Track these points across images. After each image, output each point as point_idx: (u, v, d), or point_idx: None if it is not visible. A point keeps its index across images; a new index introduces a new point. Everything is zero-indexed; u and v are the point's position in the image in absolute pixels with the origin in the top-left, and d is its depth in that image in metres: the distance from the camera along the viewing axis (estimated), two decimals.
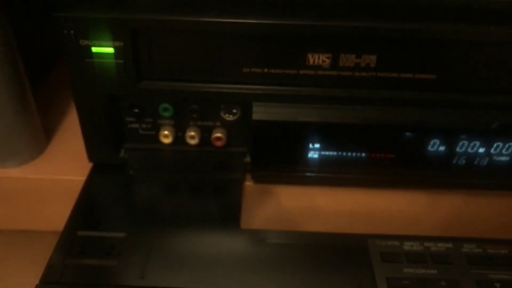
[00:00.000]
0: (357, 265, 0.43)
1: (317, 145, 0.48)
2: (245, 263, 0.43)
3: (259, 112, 0.46)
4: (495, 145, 0.48)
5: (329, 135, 0.48)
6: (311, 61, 0.45)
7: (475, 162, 0.50)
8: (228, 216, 0.48)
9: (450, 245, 0.45)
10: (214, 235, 0.46)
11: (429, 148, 0.48)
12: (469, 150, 0.49)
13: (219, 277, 0.42)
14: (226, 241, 0.46)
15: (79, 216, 0.47)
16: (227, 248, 0.45)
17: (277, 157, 0.49)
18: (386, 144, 0.49)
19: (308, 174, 0.50)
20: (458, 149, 0.49)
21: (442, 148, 0.48)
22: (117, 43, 0.43)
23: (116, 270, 0.42)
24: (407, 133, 0.48)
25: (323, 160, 0.49)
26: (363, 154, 0.49)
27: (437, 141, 0.48)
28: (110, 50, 0.43)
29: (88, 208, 0.48)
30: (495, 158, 0.49)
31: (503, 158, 0.49)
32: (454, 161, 0.49)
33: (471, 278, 0.42)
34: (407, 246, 0.45)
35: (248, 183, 0.52)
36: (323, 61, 0.45)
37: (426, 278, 0.42)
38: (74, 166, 0.52)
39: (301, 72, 0.45)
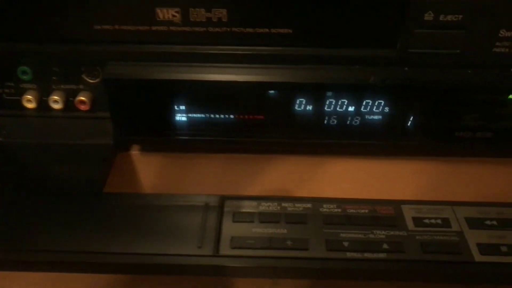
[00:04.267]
0: (206, 225, 0.42)
1: (178, 107, 0.46)
2: (105, 225, 0.43)
3: (110, 71, 0.44)
4: (365, 102, 0.47)
5: (189, 95, 0.46)
6: (160, 16, 0.43)
7: (348, 122, 0.48)
8: (92, 181, 0.47)
9: (309, 205, 0.44)
10: (76, 200, 0.45)
11: (297, 107, 0.47)
12: (339, 109, 0.47)
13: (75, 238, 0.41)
14: (87, 205, 0.45)
15: None
16: (88, 211, 0.44)
17: (139, 120, 0.47)
18: (253, 104, 0.47)
19: (176, 137, 0.49)
20: (326, 108, 0.47)
21: (310, 108, 0.47)
22: None
23: None
24: (271, 92, 0.46)
25: (189, 123, 0.48)
26: (231, 116, 0.48)
27: (304, 100, 0.46)
28: None
29: None
30: (367, 117, 0.48)
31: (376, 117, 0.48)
32: (325, 122, 0.48)
33: (320, 237, 0.41)
34: (264, 206, 0.43)
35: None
36: (173, 15, 0.43)
37: (273, 237, 0.40)
38: None
39: (153, 28, 0.44)
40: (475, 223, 0.42)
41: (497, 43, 0.43)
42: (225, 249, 0.40)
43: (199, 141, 0.49)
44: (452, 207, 0.44)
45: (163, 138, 0.49)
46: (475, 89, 0.44)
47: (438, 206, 0.44)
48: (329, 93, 0.46)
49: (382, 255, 0.39)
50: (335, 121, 0.48)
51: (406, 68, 0.45)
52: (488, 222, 0.42)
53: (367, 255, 0.39)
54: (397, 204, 0.44)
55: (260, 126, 0.48)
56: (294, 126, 0.48)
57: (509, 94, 0.45)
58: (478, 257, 0.39)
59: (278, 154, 0.50)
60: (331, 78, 0.45)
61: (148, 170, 0.51)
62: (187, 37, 0.44)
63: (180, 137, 0.49)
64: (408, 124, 0.48)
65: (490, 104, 0.45)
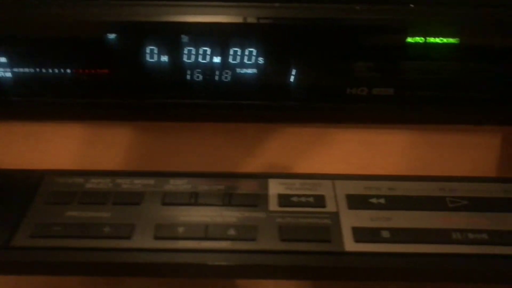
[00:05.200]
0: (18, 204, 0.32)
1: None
2: None
3: None
4: (232, 52, 0.37)
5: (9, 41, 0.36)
6: None
7: (216, 78, 0.38)
8: None
9: (151, 181, 0.34)
10: None
11: (148, 58, 0.37)
12: (201, 60, 0.37)
13: None
14: None
15: None
16: None
17: None
18: (91, 54, 0.37)
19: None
20: (186, 60, 0.37)
21: (165, 59, 0.37)
22: None
23: None
24: (112, 37, 0.36)
25: (14, 81, 0.38)
26: (67, 71, 0.38)
27: (156, 49, 0.37)
28: None
29: None
30: (239, 71, 0.38)
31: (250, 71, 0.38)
32: (187, 77, 0.38)
33: (151, 222, 0.32)
34: (91, 184, 0.34)
35: None
36: None
37: (89, 223, 0.31)
38: None
39: None
40: (357, 202, 0.33)
41: None
42: (22, 240, 0.30)
43: (33, 104, 0.40)
44: (333, 181, 0.35)
45: None
46: (365, 29, 0.35)
47: (316, 181, 0.35)
48: (185, 39, 0.37)
49: (225, 244, 0.30)
50: (200, 77, 0.38)
51: (277, 4, 0.35)
52: (374, 200, 0.33)
53: (205, 244, 0.30)
54: (263, 177, 0.35)
55: (104, 83, 0.38)
56: (147, 83, 0.38)
57: (407, 36, 0.35)
58: (350, 246, 0.30)
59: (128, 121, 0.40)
60: (189, 17, 0.36)
61: None
62: None
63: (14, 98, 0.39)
64: (291, 80, 0.38)
65: (386, 50, 0.36)
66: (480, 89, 0.37)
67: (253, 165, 0.36)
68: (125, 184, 0.34)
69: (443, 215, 0.32)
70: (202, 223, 0.31)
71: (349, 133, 0.39)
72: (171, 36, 0.36)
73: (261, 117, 0.40)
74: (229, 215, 0.32)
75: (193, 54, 0.37)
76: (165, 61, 0.37)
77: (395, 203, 0.33)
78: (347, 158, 0.36)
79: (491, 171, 0.38)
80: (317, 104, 0.39)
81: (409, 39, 0.35)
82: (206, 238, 0.31)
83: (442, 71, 0.37)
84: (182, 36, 0.36)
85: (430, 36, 0.35)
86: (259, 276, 0.31)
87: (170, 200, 0.33)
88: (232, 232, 0.31)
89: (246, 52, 0.37)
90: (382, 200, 0.33)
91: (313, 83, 0.38)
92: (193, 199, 0.33)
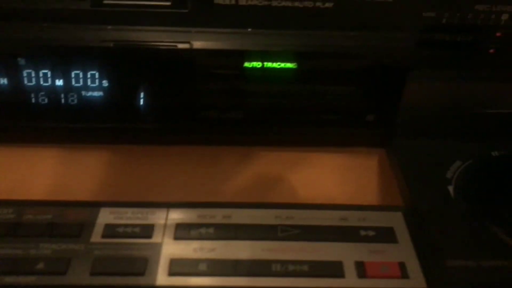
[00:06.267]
0: None
1: None
2: None
3: None
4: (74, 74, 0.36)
5: None
6: None
7: (63, 101, 0.37)
8: None
9: None
10: None
11: None
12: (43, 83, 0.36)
13: None
14: None
15: None
16: None
17: None
18: None
19: None
20: (27, 82, 0.36)
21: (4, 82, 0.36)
22: None
23: None
24: None
25: None
26: None
27: None
28: None
29: None
30: (84, 94, 0.37)
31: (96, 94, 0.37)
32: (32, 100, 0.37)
33: None
34: None
35: None
36: None
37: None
38: None
39: None
40: (184, 231, 0.31)
41: None
42: None
43: None
44: (168, 209, 0.33)
45: None
46: (203, 54, 0.34)
47: (150, 209, 0.33)
48: (22, 61, 0.35)
49: (31, 279, 0.29)
50: (46, 99, 0.37)
51: (110, 27, 0.34)
52: (202, 230, 0.32)
53: (8, 279, 0.29)
54: (97, 206, 0.33)
55: None
56: None
57: (244, 61, 0.34)
58: (162, 280, 0.29)
59: None
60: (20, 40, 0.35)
61: None
62: None
63: None
64: (141, 102, 0.37)
65: (226, 75, 0.35)
66: (324, 112, 0.37)
67: (87, 191, 0.35)
68: None
69: (270, 245, 0.31)
70: (12, 257, 0.30)
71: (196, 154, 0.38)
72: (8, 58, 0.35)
73: (111, 139, 0.39)
74: (45, 247, 0.31)
75: (34, 77, 0.36)
76: (5, 84, 0.36)
77: (224, 232, 0.32)
78: (186, 183, 0.35)
79: (339, 196, 0.37)
80: (167, 127, 0.38)
81: (246, 64, 0.34)
82: (13, 273, 0.29)
83: (284, 94, 0.36)
84: (20, 60, 0.35)
85: (267, 61, 0.34)
86: None
87: None
88: (41, 266, 0.29)
89: (89, 75, 0.36)
90: (211, 230, 0.32)
91: (161, 106, 0.37)
92: (12, 230, 0.31)
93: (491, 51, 0.37)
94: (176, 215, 0.33)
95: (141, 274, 0.29)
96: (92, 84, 0.36)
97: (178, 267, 0.30)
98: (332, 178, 0.39)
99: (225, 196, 0.36)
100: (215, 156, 0.38)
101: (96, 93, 0.37)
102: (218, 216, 0.33)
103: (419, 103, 0.39)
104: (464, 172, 0.37)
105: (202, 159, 0.38)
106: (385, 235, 0.32)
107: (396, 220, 0.33)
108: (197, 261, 0.30)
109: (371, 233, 0.32)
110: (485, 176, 0.35)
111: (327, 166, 0.39)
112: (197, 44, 0.33)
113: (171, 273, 0.29)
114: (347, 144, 0.41)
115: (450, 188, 0.35)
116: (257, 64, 0.34)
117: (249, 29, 0.33)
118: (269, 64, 0.34)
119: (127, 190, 0.37)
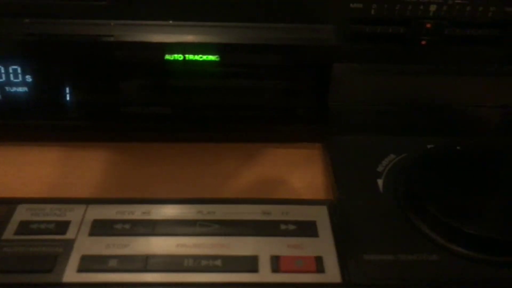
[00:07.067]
0: None
1: None
2: None
3: None
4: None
5: None
6: None
7: None
8: None
9: None
10: None
11: None
12: None
13: None
14: None
15: None
16: None
17: None
18: None
19: None
20: None
21: None
22: None
23: None
24: None
25: None
26: None
27: None
28: None
29: None
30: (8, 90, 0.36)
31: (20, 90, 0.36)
32: None
33: None
34: None
35: None
36: None
37: None
38: None
39: None
40: (100, 228, 0.31)
41: None
42: None
43: None
44: (87, 205, 0.33)
45: None
46: (120, 46, 0.33)
47: (69, 205, 0.32)
48: None
49: None
50: None
51: (27, 20, 0.33)
52: (118, 226, 0.31)
53: None
54: (15, 203, 0.33)
55: None
56: None
57: (165, 54, 0.33)
58: (70, 276, 0.28)
59: None
60: None
61: None
62: None
63: None
64: (66, 98, 0.37)
65: (149, 69, 0.34)
66: (253, 106, 0.36)
67: (7, 189, 0.34)
68: None
69: (186, 241, 0.30)
70: None
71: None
72: None
73: (35, 136, 0.38)
74: None
75: None
76: None
77: (140, 228, 0.31)
78: (103, 180, 0.35)
79: (270, 190, 0.36)
80: (94, 123, 0.37)
81: (168, 57, 0.33)
82: None
83: (211, 89, 0.35)
84: None
85: (189, 53, 0.33)
86: None
87: None
88: None
89: (11, 70, 0.35)
90: (127, 226, 0.31)
91: (88, 102, 0.37)
92: None
93: (423, 42, 0.36)
94: (94, 212, 0.32)
95: (49, 271, 0.28)
96: (15, 79, 0.36)
97: (88, 263, 0.29)
98: (267, 172, 0.38)
99: (159, 192, 0.35)
100: (148, 153, 0.38)
101: (20, 89, 0.36)
102: (137, 212, 0.32)
103: (354, 98, 0.39)
104: (396, 166, 0.36)
105: (133, 156, 0.37)
106: (306, 229, 0.31)
107: (320, 214, 0.32)
108: (108, 257, 0.29)
109: (291, 227, 0.31)
110: (416, 169, 0.35)
111: (267, 161, 0.39)
112: (116, 37, 0.32)
113: (80, 270, 0.28)
114: (288, 140, 0.40)
115: (380, 182, 0.35)
116: (178, 57, 0.33)
117: (170, 21, 0.33)
118: (190, 57, 0.33)
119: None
